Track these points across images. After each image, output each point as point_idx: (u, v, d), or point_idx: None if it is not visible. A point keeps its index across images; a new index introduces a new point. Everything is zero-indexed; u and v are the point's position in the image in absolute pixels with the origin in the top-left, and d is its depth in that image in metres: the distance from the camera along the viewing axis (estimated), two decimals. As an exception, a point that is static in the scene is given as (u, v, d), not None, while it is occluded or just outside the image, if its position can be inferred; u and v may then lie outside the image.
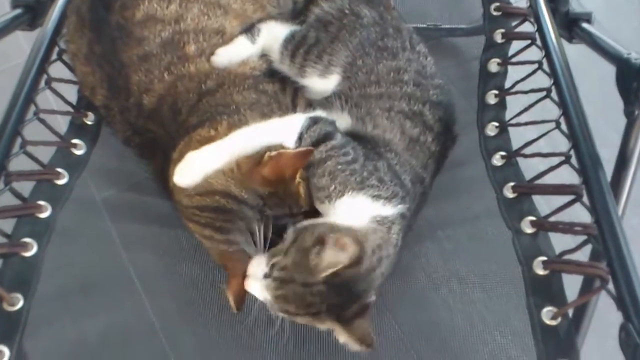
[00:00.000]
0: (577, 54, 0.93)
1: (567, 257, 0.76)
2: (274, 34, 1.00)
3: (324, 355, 0.90)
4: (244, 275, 0.79)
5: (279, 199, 0.80)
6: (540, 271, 0.75)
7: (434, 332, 0.93)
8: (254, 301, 0.80)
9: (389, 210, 0.82)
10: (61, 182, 0.87)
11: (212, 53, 0.94)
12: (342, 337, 0.77)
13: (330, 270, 0.72)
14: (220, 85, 0.91)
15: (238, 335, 0.92)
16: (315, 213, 0.84)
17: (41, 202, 0.83)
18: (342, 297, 0.75)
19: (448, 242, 1.00)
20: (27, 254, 0.77)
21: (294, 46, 0.98)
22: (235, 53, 0.97)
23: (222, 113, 0.88)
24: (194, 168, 0.82)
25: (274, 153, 0.78)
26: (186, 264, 0.98)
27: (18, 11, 1.02)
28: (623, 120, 0.85)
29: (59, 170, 0.88)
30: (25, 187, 0.84)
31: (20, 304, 0.73)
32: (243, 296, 0.81)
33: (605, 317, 0.74)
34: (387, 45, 0.97)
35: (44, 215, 0.82)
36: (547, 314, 0.71)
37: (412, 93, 0.93)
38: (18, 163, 0.84)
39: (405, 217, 0.84)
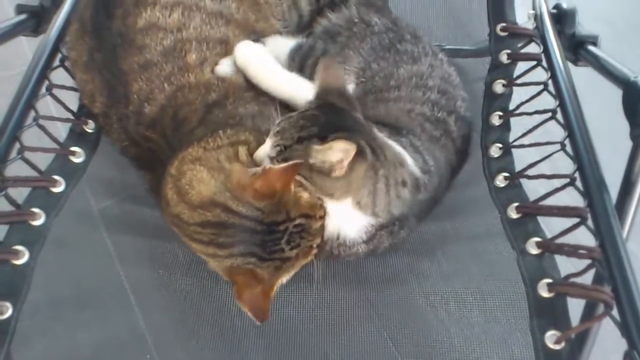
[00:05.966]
0: (577, 82, 0.93)
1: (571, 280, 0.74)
2: (280, 45, 0.99)
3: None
4: (256, 286, 0.77)
5: (275, 207, 0.77)
6: (545, 294, 0.73)
7: (431, 355, 0.91)
8: (247, 317, 0.78)
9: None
10: (57, 190, 0.86)
11: (215, 62, 0.93)
12: None
13: None
14: (225, 96, 0.90)
15: (230, 350, 0.91)
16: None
17: (35, 210, 0.81)
18: None
19: (447, 262, 0.99)
20: (18, 262, 0.76)
21: (301, 57, 0.96)
22: None
23: (226, 125, 0.87)
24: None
25: (260, 169, 0.77)
26: (181, 277, 0.96)
27: (22, 16, 1.02)
28: (624, 145, 0.84)
29: (56, 177, 0.87)
30: (20, 194, 0.83)
31: (9, 312, 0.72)
32: (262, 307, 0.77)
33: (602, 341, 0.73)
34: (406, 49, 0.95)
35: (37, 222, 0.80)
36: (551, 337, 0.69)
37: (436, 100, 0.90)
38: (15, 169, 0.83)
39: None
